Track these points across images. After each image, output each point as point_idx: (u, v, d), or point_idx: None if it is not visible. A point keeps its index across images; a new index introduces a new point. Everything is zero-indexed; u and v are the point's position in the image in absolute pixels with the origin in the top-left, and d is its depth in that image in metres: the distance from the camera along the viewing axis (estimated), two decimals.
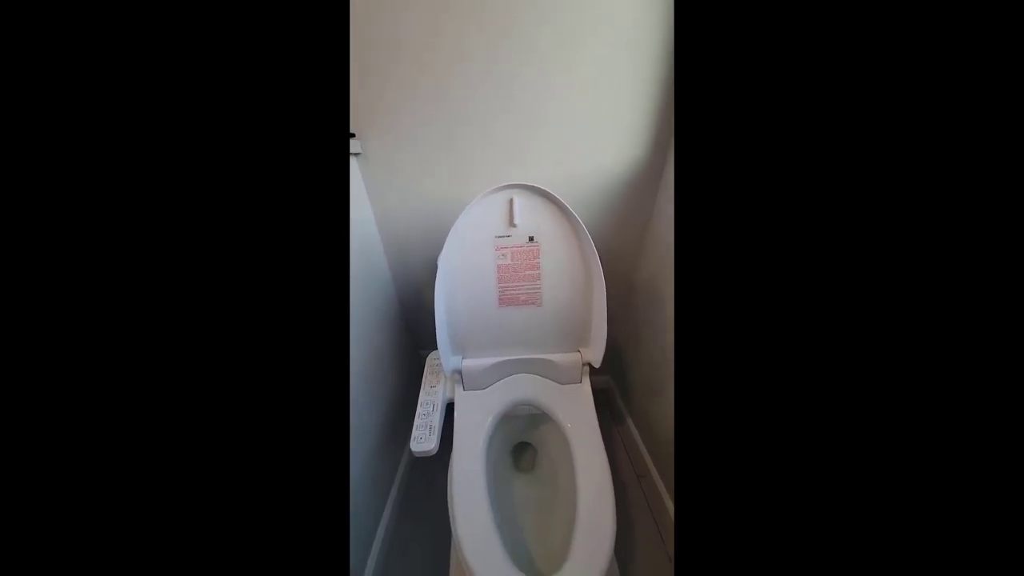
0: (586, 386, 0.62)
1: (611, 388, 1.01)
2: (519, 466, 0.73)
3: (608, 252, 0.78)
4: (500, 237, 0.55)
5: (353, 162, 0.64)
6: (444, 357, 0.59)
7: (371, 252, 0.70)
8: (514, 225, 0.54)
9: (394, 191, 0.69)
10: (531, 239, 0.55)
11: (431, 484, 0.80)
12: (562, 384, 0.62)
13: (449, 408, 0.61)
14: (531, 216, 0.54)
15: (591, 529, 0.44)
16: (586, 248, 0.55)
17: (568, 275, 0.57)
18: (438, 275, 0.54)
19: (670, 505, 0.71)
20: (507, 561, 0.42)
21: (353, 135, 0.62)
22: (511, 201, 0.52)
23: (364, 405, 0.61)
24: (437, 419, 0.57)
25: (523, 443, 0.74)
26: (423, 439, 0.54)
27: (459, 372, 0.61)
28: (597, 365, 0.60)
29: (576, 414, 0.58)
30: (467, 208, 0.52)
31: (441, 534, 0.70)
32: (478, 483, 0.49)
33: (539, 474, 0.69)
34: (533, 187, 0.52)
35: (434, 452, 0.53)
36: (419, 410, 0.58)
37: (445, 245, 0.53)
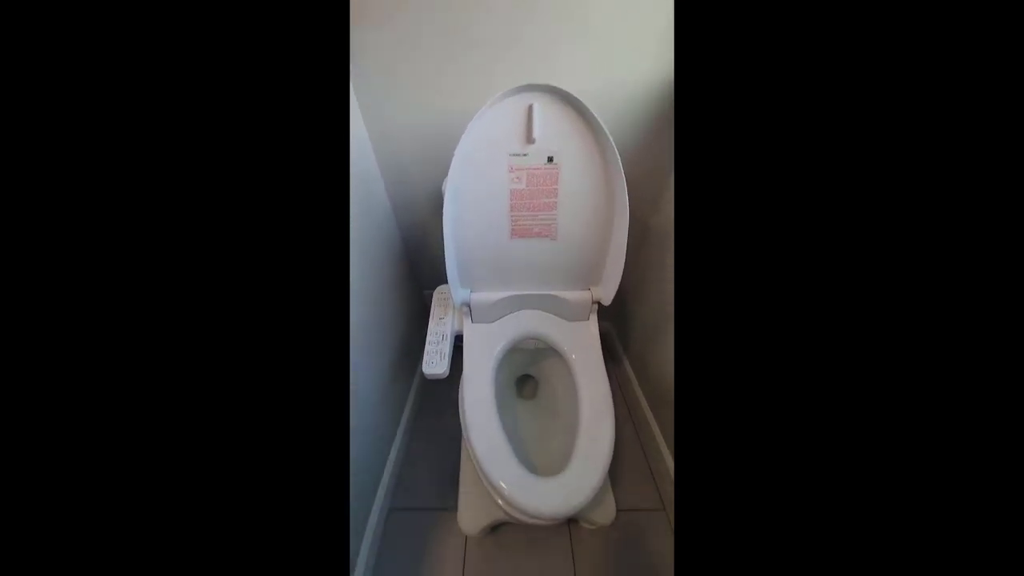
0: (593, 324, 0.63)
1: (610, 333, 1.04)
2: (522, 394, 0.78)
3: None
4: (515, 156, 0.49)
5: None
6: (454, 289, 0.58)
7: (366, 176, 0.64)
8: (532, 141, 0.48)
9: (393, 102, 0.60)
10: (550, 160, 0.49)
11: (434, 431, 0.86)
12: (569, 321, 0.63)
13: (458, 342, 0.62)
14: (552, 131, 0.47)
15: (592, 438, 0.48)
16: (613, 175, 0.50)
17: (589, 206, 0.53)
18: (445, 201, 0.50)
19: (657, 431, 0.78)
20: (519, 465, 0.46)
21: None
22: (530, 109, 0.45)
23: (367, 349, 0.61)
24: (447, 347, 0.59)
25: (525, 376, 0.78)
26: (435, 363, 0.56)
27: (468, 305, 0.61)
28: (607, 303, 0.60)
29: (582, 348, 0.59)
30: (478, 114, 0.44)
31: (446, 457, 0.78)
32: (488, 404, 0.53)
33: (540, 402, 0.74)
34: (558, 91, 0.44)
35: (445, 375, 0.56)
36: (429, 339, 0.59)
37: (453, 161, 0.47)
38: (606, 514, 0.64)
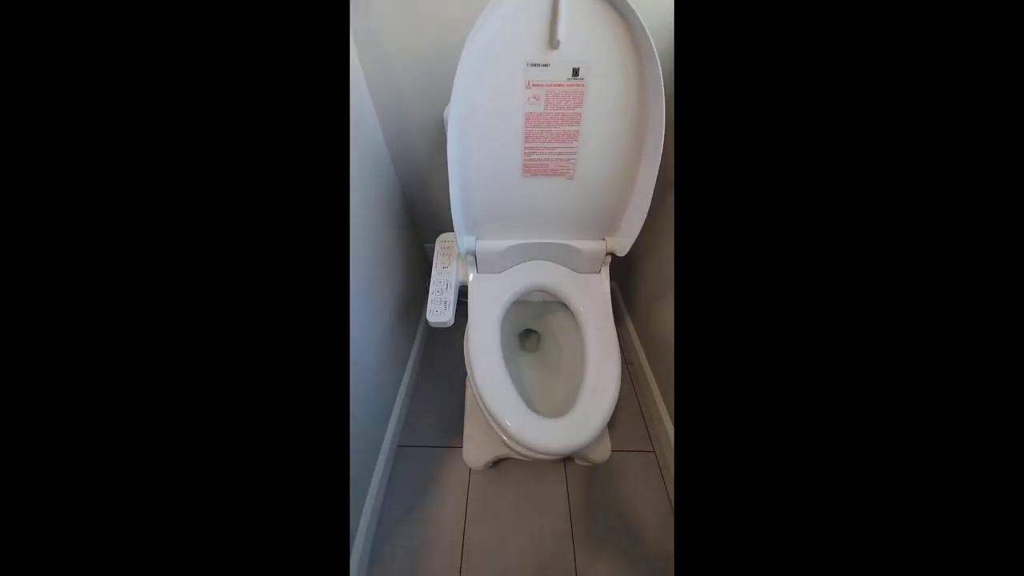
0: (604, 278, 0.60)
1: (614, 291, 1.03)
2: (524, 347, 0.78)
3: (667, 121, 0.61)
4: (534, 66, 0.40)
5: None
6: (459, 236, 0.53)
7: (358, 114, 0.54)
8: (555, 45, 0.38)
9: (385, 17, 0.48)
10: (575, 73, 0.40)
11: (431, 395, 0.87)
12: (580, 273, 0.60)
13: (462, 295, 0.59)
14: (581, 32, 0.37)
15: (599, 379, 0.49)
16: (651, 99, 0.41)
17: (617, 138, 0.45)
18: (448, 130, 0.42)
19: (653, 384, 0.81)
20: (524, 406, 0.47)
21: None
22: (555, 2, 0.35)
23: (368, 298, 0.58)
24: (452, 296, 0.56)
25: (528, 330, 0.78)
26: (439, 312, 0.54)
27: (473, 254, 0.57)
28: (622, 254, 0.56)
29: (591, 302, 0.57)
30: (487, 9, 0.34)
31: (451, 401, 0.80)
32: (494, 351, 0.52)
33: (542, 356, 0.75)
34: None
35: (450, 323, 0.54)
36: (432, 287, 0.56)
37: (457, 75, 0.38)
38: (602, 453, 0.69)
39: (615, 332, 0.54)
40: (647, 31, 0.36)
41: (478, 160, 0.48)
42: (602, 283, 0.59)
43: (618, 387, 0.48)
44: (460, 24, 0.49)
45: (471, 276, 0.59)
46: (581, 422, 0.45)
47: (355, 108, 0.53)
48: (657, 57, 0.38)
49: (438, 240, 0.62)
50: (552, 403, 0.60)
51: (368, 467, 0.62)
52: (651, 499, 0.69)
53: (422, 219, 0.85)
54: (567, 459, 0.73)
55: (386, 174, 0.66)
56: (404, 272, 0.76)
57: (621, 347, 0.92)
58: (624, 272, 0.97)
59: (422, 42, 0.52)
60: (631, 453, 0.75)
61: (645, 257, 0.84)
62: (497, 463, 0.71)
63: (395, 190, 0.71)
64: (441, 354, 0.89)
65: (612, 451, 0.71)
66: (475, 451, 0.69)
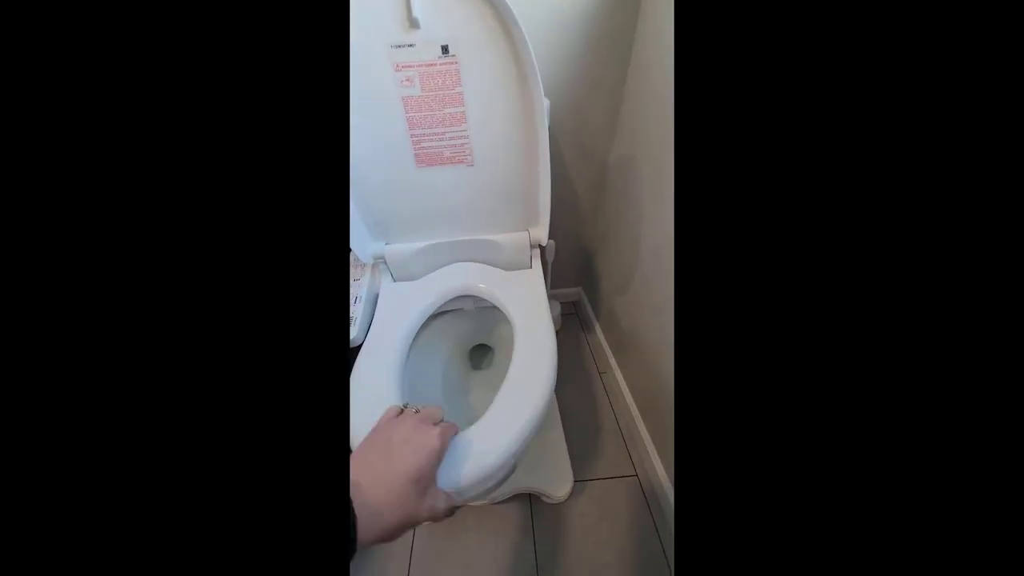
0: (536, 270, 0.53)
1: (581, 299, 0.96)
2: (480, 365, 0.70)
3: (572, 117, 0.58)
4: (398, 47, 0.38)
5: None
6: (355, 242, 0.47)
7: None
8: (415, 23, 0.36)
9: None
10: (445, 51, 0.38)
11: None
12: (508, 271, 0.54)
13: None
14: (439, 6, 0.36)
15: (518, 386, 0.39)
16: (528, 71, 0.39)
17: (504, 116, 0.42)
18: None
19: (628, 396, 0.71)
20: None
21: None
22: None
23: None
24: (360, 309, 0.49)
25: (481, 346, 0.70)
26: None
27: (383, 259, 0.51)
28: (543, 244, 0.51)
29: (523, 299, 0.50)
30: None
31: None
32: (383, 387, 0.40)
33: (494, 372, 0.66)
34: None
35: (357, 342, 0.46)
36: None
37: None
38: (561, 486, 0.57)
39: (551, 328, 0.45)
40: (509, 5, 0.35)
41: (363, 157, 0.44)
42: (534, 276, 0.53)
43: (546, 395, 0.38)
44: None
45: (383, 284, 0.52)
46: (482, 445, 0.32)
47: None
48: (520, 22, 0.36)
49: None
50: None
51: None
52: (637, 537, 0.56)
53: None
54: (531, 495, 0.60)
55: None
56: None
57: (595, 362, 0.84)
58: (587, 278, 0.91)
59: None
60: (610, 481, 0.63)
61: (601, 253, 0.79)
62: None
63: None
64: None
65: (588, 480, 0.59)
66: None
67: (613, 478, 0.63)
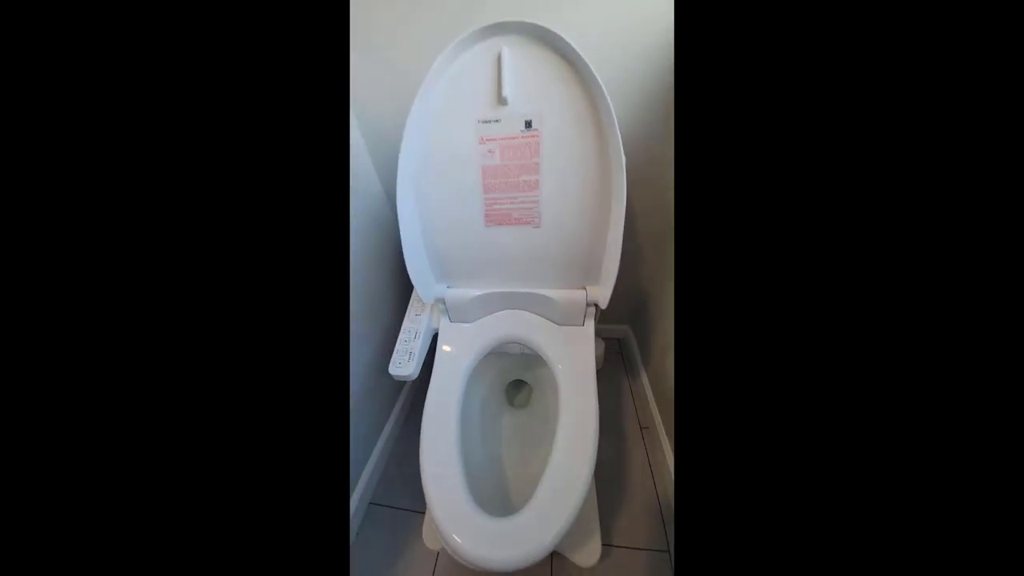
0: (588, 329, 0.52)
1: (629, 338, 0.91)
2: (514, 403, 0.71)
3: (641, 162, 0.55)
4: (485, 123, 0.40)
5: None
6: (419, 284, 0.51)
7: (353, 158, 0.60)
8: (503, 101, 0.38)
9: (367, 70, 0.53)
10: (528, 125, 0.39)
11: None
12: (560, 325, 0.53)
13: (436, 339, 0.57)
14: (530, 85, 0.37)
15: (563, 472, 0.39)
16: (610, 144, 0.38)
17: (581, 185, 0.42)
18: (399, 177, 0.42)
19: (670, 460, 0.66)
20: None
21: None
22: (499, 58, 0.36)
23: (357, 334, 0.59)
24: (418, 346, 0.53)
25: (519, 381, 0.71)
26: (401, 364, 0.51)
27: (443, 301, 0.55)
28: (604, 305, 0.49)
29: (570, 356, 0.49)
30: (435, 67, 0.36)
31: None
32: (449, 419, 0.46)
33: (533, 411, 0.66)
34: (534, 28, 0.33)
35: (413, 377, 0.51)
36: (401, 336, 0.55)
37: (405, 131, 0.39)
38: (588, 556, 0.55)
39: (595, 400, 0.45)
40: (596, 75, 0.34)
41: (438, 211, 0.47)
42: (584, 337, 0.52)
43: (588, 481, 0.39)
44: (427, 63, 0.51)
45: (441, 324, 0.56)
46: (533, 529, 0.35)
47: (355, 166, 0.58)
48: (609, 100, 0.35)
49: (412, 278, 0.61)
50: (534, 476, 0.51)
51: None
52: None
53: None
54: (554, 553, 0.60)
55: (384, 222, 0.70)
56: (393, 315, 0.76)
57: (636, 411, 0.79)
58: (639, 319, 0.86)
59: (397, 86, 0.54)
60: (638, 552, 0.59)
61: (658, 298, 0.74)
62: None
63: (393, 238, 0.75)
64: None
65: (614, 547, 0.57)
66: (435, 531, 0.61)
67: (643, 550, 0.60)
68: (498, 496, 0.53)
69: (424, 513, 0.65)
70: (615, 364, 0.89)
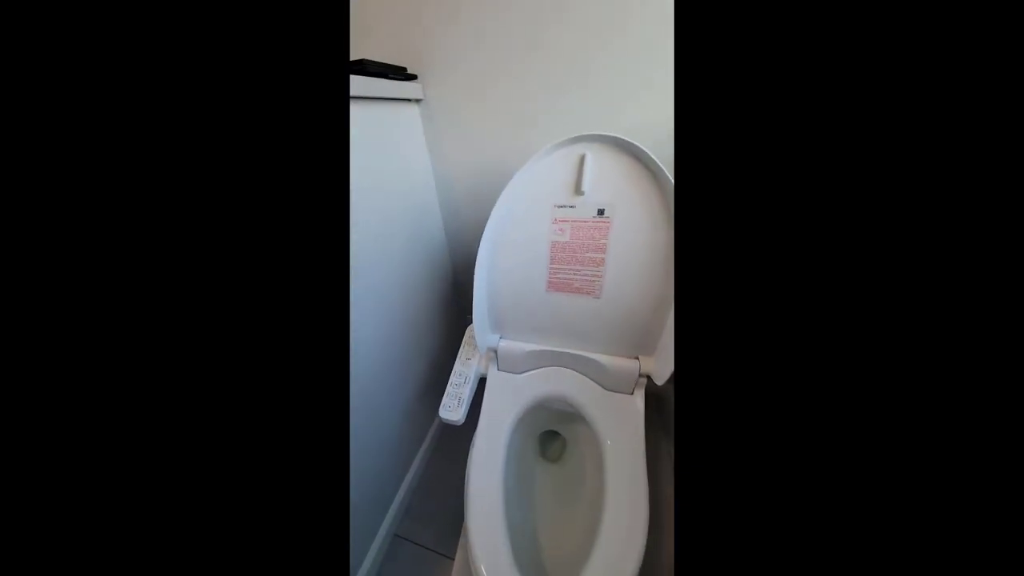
0: (638, 400, 0.52)
1: (668, 398, 0.87)
2: (545, 455, 0.70)
3: None
4: (561, 207, 0.44)
5: (414, 108, 0.59)
6: (479, 334, 0.55)
7: (426, 207, 0.67)
8: (581, 193, 0.42)
9: (455, 143, 0.63)
10: (601, 212, 0.43)
11: (458, 452, 0.84)
12: (608, 390, 0.53)
13: (482, 382, 0.59)
14: (606, 182, 0.41)
15: (611, 564, 0.38)
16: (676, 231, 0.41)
17: (643, 265, 0.45)
18: (482, 242, 0.47)
19: None
20: (511, 561, 0.40)
21: (414, 77, 0.56)
22: (582, 160, 0.40)
23: (402, 362, 0.63)
24: (467, 391, 0.56)
25: (551, 431, 0.70)
26: (451, 408, 0.54)
27: (494, 351, 0.58)
28: (660, 382, 0.49)
29: (619, 431, 0.49)
30: (526, 165, 0.42)
31: (459, 497, 0.74)
32: (495, 471, 0.47)
33: (565, 467, 0.65)
34: (615, 139, 0.38)
35: (460, 423, 0.53)
36: (452, 379, 0.58)
37: (495, 208, 0.45)
38: None
39: (645, 481, 0.44)
40: (664, 170, 0.37)
41: (504, 270, 0.51)
42: (634, 406, 0.51)
43: (640, 559, 0.37)
44: (498, 154, 0.60)
45: (490, 371, 0.59)
46: None
47: (425, 199, 0.66)
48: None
49: (468, 329, 0.65)
50: (566, 541, 0.49)
51: (362, 548, 0.60)
52: None
53: (469, 304, 0.92)
54: None
55: (439, 256, 0.76)
56: (438, 351, 0.79)
57: (672, 468, 0.73)
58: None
59: (473, 161, 0.64)
60: None
61: None
62: None
63: (446, 271, 0.81)
64: (458, 444, 0.84)
65: None
66: (466, 573, 0.60)
67: None
68: (531, 554, 0.52)
69: (452, 560, 0.65)
70: (651, 421, 0.85)
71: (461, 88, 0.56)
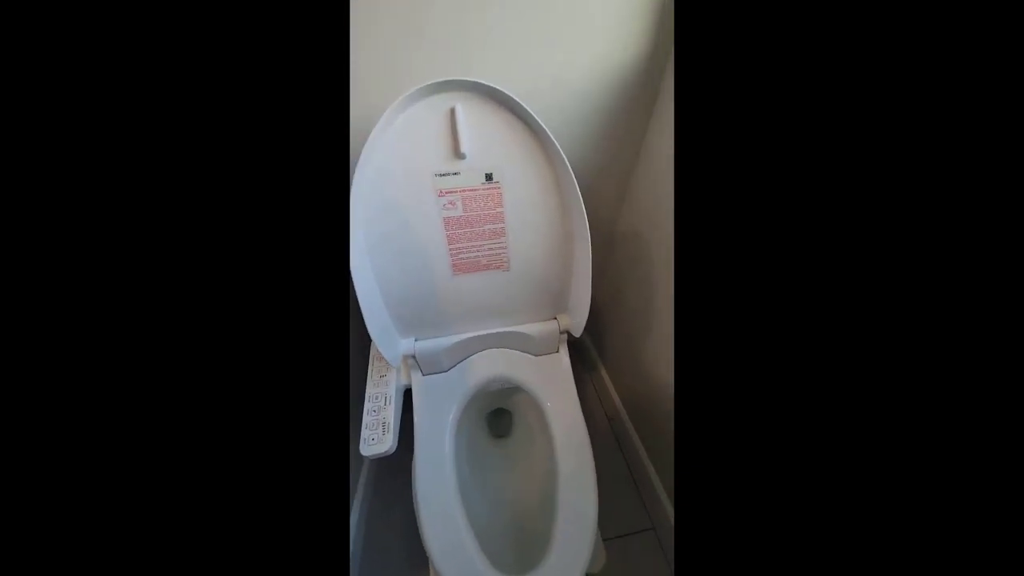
0: (564, 356, 0.55)
1: (584, 341, 0.99)
2: (495, 431, 0.70)
3: (586, 190, 0.62)
4: (442, 176, 0.37)
5: None
6: (384, 346, 0.46)
7: None
8: (461, 155, 0.36)
9: None
10: (488, 177, 0.38)
11: (397, 491, 0.75)
12: (536, 356, 0.55)
13: (408, 396, 0.51)
14: (486, 140, 0.36)
15: (572, 518, 0.41)
16: (567, 188, 0.40)
17: (544, 227, 0.44)
18: (351, 236, 0.37)
19: (639, 443, 0.75)
20: (478, 559, 0.38)
21: None
22: (452, 113, 0.34)
23: None
24: (392, 413, 0.47)
25: (499, 409, 0.70)
26: (376, 440, 0.45)
27: (413, 357, 0.50)
28: (578, 334, 0.52)
29: (554, 390, 0.51)
30: (379, 123, 0.31)
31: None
32: (446, 487, 0.43)
33: (514, 443, 0.66)
34: (487, 88, 0.33)
35: (391, 451, 0.45)
36: (367, 406, 0.48)
37: (353, 185, 0.34)
38: (598, 563, 0.60)
39: (584, 427, 0.48)
40: (550, 134, 0.35)
41: (397, 264, 0.43)
42: (563, 368, 0.54)
43: (595, 517, 0.41)
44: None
45: (415, 379, 0.51)
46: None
47: None
48: (561, 152, 0.37)
49: (372, 344, 0.54)
50: (526, 509, 0.51)
51: None
52: None
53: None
54: None
55: None
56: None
57: (600, 401, 0.87)
58: (593, 324, 0.94)
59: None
60: (628, 538, 0.67)
61: (610, 308, 0.83)
62: None
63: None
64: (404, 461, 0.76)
65: (605, 541, 0.62)
66: None
67: (629, 535, 0.67)
68: (497, 529, 0.52)
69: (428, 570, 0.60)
70: (573, 363, 0.96)
71: None
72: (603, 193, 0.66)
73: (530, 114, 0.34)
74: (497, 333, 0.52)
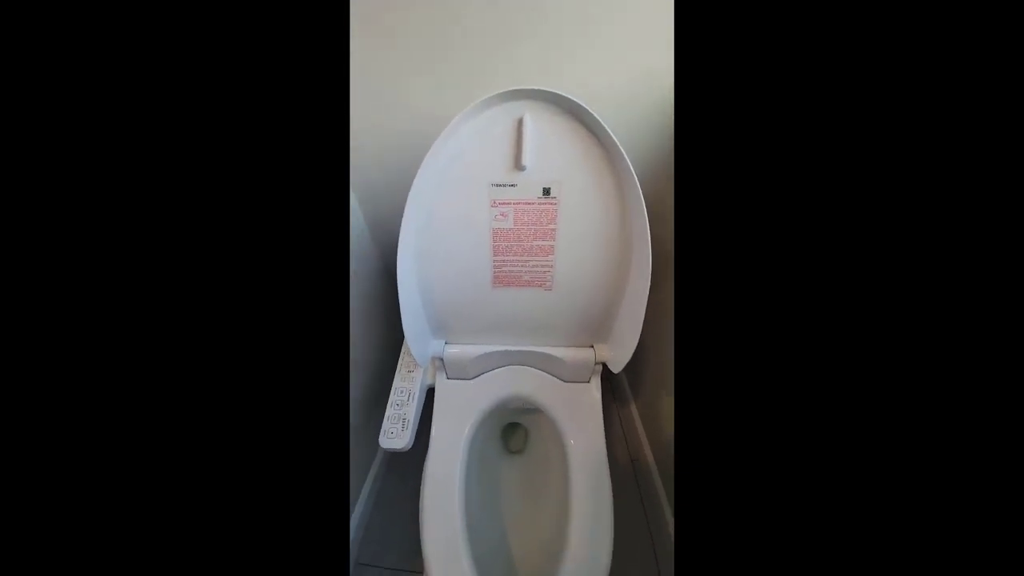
0: (595, 389, 0.51)
1: (620, 375, 0.92)
2: (509, 447, 0.68)
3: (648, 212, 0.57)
4: (499, 186, 0.36)
5: None
6: (415, 344, 0.46)
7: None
8: (522, 168, 0.34)
9: (369, 105, 0.46)
10: (546, 192, 0.36)
11: (408, 484, 0.77)
12: (565, 382, 0.51)
13: (430, 394, 0.52)
14: (550, 153, 0.33)
15: (583, 573, 0.37)
16: (633, 212, 0.36)
17: (598, 251, 0.40)
18: (401, 235, 0.37)
19: (662, 492, 0.67)
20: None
21: None
22: (520, 123, 0.32)
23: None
24: (413, 410, 0.48)
25: (514, 423, 0.68)
26: (395, 433, 0.46)
27: (440, 359, 0.50)
28: (617, 370, 0.48)
29: (580, 424, 0.47)
30: (449, 128, 0.31)
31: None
32: (452, 492, 0.42)
33: (529, 458, 0.64)
34: (560, 98, 0.30)
35: (407, 448, 0.46)
36: (392, 398, 0.49)
37: (412, 189, 0.34)
38: None
39: (608, 476, 0.43)
40: (619, 145, 0.31)
41: (440, 265, 0.42)
42: (591, 394, 0.50)
43: (609, 556, 0.37)
44: (422, 122, 0.45)
45: (438, 381, 0.51)
46: None
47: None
48: (632, 170, 0.32)
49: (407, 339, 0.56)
50: (536, 539, 0.48)
51: None
52: None
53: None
54: None
55: (362, 249, 0.62)
56: (376, 363, 0.67)
57: (625, 440, 0.80)
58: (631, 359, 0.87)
59: (402, 129, 0.49)
60: None
61: (649, 346, 0.75)
62: None
63: (371, 267, 0.67)
64: (414, 452, 0.78)
65: None
66: None
67: None
68: (502, 552, 0.50)
69: (414, 574, 0.61)
70: (604, 393, 0.89)
71: (372, 32, 0.39)
72: (659, 214, 0.59)
73: (602, 126, 0.31)
74: (527, 351, 0.50)
